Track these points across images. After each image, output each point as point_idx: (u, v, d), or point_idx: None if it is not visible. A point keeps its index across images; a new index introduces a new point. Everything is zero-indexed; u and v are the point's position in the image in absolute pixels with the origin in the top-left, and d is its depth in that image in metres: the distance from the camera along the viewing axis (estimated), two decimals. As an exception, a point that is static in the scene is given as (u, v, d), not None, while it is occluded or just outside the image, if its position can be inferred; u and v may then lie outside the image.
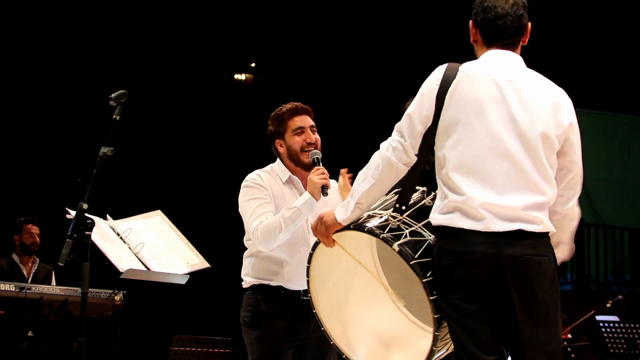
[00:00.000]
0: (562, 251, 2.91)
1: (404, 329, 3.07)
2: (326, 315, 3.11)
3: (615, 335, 7.58)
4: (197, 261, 4.76)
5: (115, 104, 3.50)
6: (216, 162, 9.99)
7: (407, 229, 2.81)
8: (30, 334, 6.05)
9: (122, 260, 4.49)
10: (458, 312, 2.67)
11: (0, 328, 5.84)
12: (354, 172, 3.75)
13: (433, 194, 2.91)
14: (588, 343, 7.41)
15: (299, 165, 3.72)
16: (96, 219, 4.07)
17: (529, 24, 2.88)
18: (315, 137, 3.75)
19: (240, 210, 3.71)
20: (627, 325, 7.70)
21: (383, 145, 2.85)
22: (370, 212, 2.90)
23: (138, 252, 4.60)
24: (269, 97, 8.96)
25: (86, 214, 3.34)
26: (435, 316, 2.70)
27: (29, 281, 6.98)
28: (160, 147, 9.95)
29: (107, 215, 4.75)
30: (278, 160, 3.82)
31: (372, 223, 2.84)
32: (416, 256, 2.73)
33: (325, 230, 2.93)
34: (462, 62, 2.84)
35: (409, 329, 3.05)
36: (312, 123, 3.78)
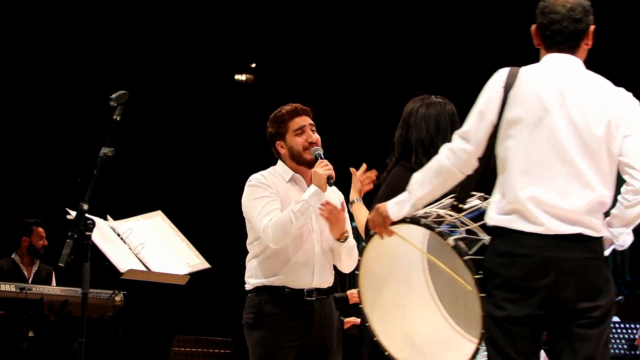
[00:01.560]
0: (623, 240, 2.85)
1: (447, 331, 3.07)
2: (371, 311, 3.11)
3: (615, 335, 7.59)
4: (197, 262, 4.77)
5: (115, 105, 3.50)
6: (216, 162, 9.99)
7: (463, 227, 2.83)
8: (30, 334, 6.05)
9: (123, 261, 4.50)
10: (502, 313, 2.66)
11: (0, 328, 5.84)
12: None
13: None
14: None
15: (302, 163, 3.74)
16: (96, 219, 4.08)
17: (592, 27, 2.86)
18: (316, 136, 3.77)
19: (245, 210, 3.71)
20: (627, 325, 7.71)
21: (444, 151, 2.83)
22: (427, 210, 2.91)
23: (138, 253, 4.61)
24: (269, 97, 8.95)
25: (86, 215, 3.34)
26: (484, 314, 2.69)
27: (29, 282, 6.98)
28: (161, 148, 9.96)
29: (108, 216, 4.75)
30: (279, 161, 3.83)
31: (429, 218, 2.86)
32: (470, 252, 2.73)
33: (383, 222, 2.91)
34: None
35: (452, 331, 3.05)
36: (312, 122, 3.80)
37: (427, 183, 2.83)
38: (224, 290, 9.83)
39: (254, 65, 11.04)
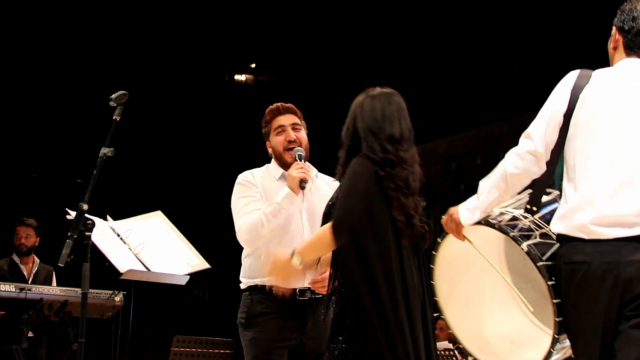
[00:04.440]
0: None
1: (524, 331, 3.09)
2: (446, 305, 3.17)
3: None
4: (197, 262, 4.77)
5: (115, 105, 3.50)
6: (216, 162, 9.99)
7: (537, 230, 2.83)
8: (30, 334, 6.05)
9: (122, 261, 4.50)
10: (572, 320, 2.69)
11: (0, 328, 5.83)
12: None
13: None
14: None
15: (282, 165, 3.72)
16: (96, 219, 4.08)
17: None
18: (299, 135, 3.73)
19: (232, 208, 3.72)
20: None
21: (509, 156, 2.84)
22: (502, 210, 2.93)
23: (138, 253, 4.61)
24: (269, 98, 8.94)
25: (86, 215, 3.34)
26: (557, 319, 2.72)
27: (29, 282, 6.98)
28: (161, 148, 9.96)
29: (107, 216, 4.75)
30: (272, 159, 3.83)
31: (503, 220, 2.87)
32: (544, 258, 2.75)
33: (456, 227, 2.97)
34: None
35: (530, 331, 3.07)
36: (295, 121, 3.76)
37: (493, 189, 2.86)
38: (224, 290, 9.83)
39: (253, 65, 11.04)
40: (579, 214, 2.66)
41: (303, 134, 3.76)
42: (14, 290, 5.66)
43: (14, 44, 9.03)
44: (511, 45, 9.79)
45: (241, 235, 3.57)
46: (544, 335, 2.92)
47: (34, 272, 7.22)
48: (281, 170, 3.74)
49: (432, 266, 3.14)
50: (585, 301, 2.64)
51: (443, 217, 3.06)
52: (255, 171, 3.77)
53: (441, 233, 3.13)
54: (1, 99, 9.11)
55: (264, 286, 3.62)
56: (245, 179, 3.71)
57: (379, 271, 2.79)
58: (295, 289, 3.59)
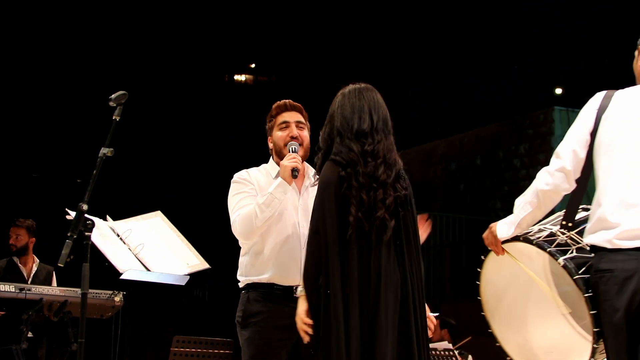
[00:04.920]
0: None
1: (567, 341, 3.22)
2: (492, 318, 3.34)
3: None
4: (197, 262, 4.76)
5: (115, 105, 3.49)
6: (216, 162, 9.99)
7: (574, 245, 2.99)
8: (30, 334, 6.05)
9: (122, 261, 4.49)
10: (603, 325, 2.82)
11: (0, 328, 5.83)
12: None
13: None
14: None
15: (282, 159, 3.70)
16: (96, 219, 4.07)
17: None
18: (302, 133, 3.72)
19: (228, 206, 3.71)
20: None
21: (541, 174, 3.00)
22: (541, 226, 3.10)
23: (138, 253, 4.60)
24: (269, 97, 8.94)
25: (86, 215, 3.33)
26: (595, 330, 2.86)
27: (28, 282, 6.98)
28: (160, 148, 9.97)
29: (107, 216, 4.75)
30: (270, 158, 3.83)
31: (541, 237, 3.04)
32: (580, 271, 2.89)
33: (495, 241, 3.14)
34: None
35: (573, 341, 3.19)
36: (300, 119, 3.75)
37: (527, 205, 3.03)
38: (224, 291, 9.83)
39: (253, 65, 11.05)
40: (603, 229, 2.83)
41: (306, 134, 3.76)
42: (13, 290, 5.65)
43: (14, 44, 9.03)
44: (511, 45, 9.79)
45: (236, 228, 3.57)
46: (586, 344, 3.05)
47: (34, 272, 7.22)
48: (277, 168, 3.73)
49: (477, 282, 3.32)
50: (608, 306, 2.78)
51: (484, 233, 3.24)
52: (251, 170, 3.78)
53: (485, 250, 3.29)
54: (1, 99, 9.11)
55: (260, 284, 3.61)
56: (241, 177, 3.72)
57: (328, 270, 2.94)
58: (293, 286, 3.57)
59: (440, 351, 5.93)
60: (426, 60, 9.91)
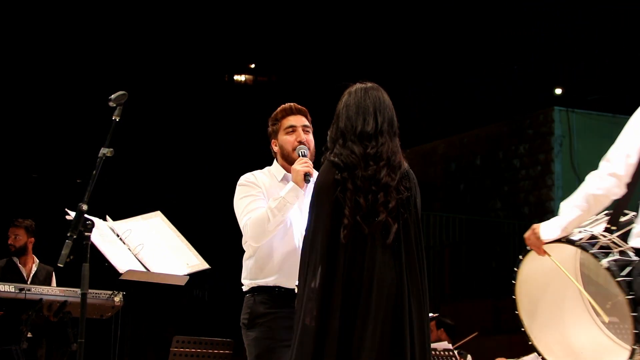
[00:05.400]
0: None
1: (604, 342, 3.25)
2: (527, 318, 3.36)
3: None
4: (196, 262, 4.76)
5: (115, 105, 3.49)
6: (216, 163, 10.00)
7: (616, 248, 3.02)
8: (30, 334, 6.05)
9: (122, 261, 4.49)
10: None
11: (0, 329, 5.83)
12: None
13: None
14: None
15: (290, 163, 3.71)
16: (96, 220, 4.07)
17: None
18: (308, 138, 3.72)
19: (234, 210, 3.71)
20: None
21: (591, 178, 3.03)
22: (581, 229, 3.12)
23: (138, 253, 4.60)
24: (268, 98, 8.95)
25: (86, 215, 3.33)
26: (635, 331, 2.89)
27: (28, 282, 6.97)
28: (160, 148, 9.97)
29: (107, 216, 4.75)
30: (275, 161, 3.82)
31: (583, 239, 3.08)
32: (622, 273, 2.93)
33: (537, 242, 3.16)
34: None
35: (609, 343, 3.23)
36: (306, 123, 3.75)
37: (575, 208, 3.05)
38: (224, 291, 9.83)
39: (253, 65, 11.05)
40: None
41: (311, 138, 3.77)
42: (13, 290, 5.65)
43: (14, 44, 9.03)
44: (511, 45, 9.79)
45: (247, 232, 3.56)
46: (622, 346, 3.10)
47: (34, 272, 7.22)
48: (283, 172, 3.74)
49: (513, 282, 3.34)
50: None
51: (525, 233, 3.26)
52: (257, 173, 3.77)
53: (524, 250, 3.31)
54: (1, 99, 9.11)
55: (266, 287, 3.62)
56: (248, 180, 3.72)
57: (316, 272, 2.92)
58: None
59: (439, 351, 5.93)
60: (426, 60, 9.91)
